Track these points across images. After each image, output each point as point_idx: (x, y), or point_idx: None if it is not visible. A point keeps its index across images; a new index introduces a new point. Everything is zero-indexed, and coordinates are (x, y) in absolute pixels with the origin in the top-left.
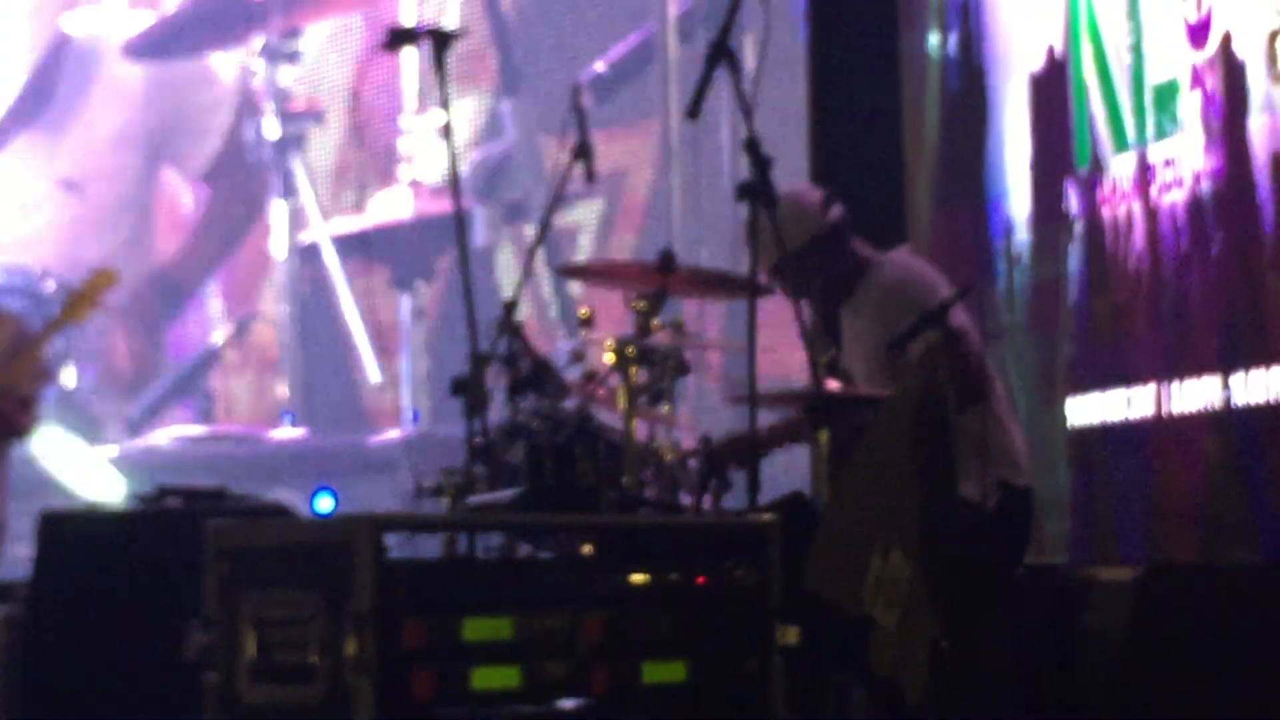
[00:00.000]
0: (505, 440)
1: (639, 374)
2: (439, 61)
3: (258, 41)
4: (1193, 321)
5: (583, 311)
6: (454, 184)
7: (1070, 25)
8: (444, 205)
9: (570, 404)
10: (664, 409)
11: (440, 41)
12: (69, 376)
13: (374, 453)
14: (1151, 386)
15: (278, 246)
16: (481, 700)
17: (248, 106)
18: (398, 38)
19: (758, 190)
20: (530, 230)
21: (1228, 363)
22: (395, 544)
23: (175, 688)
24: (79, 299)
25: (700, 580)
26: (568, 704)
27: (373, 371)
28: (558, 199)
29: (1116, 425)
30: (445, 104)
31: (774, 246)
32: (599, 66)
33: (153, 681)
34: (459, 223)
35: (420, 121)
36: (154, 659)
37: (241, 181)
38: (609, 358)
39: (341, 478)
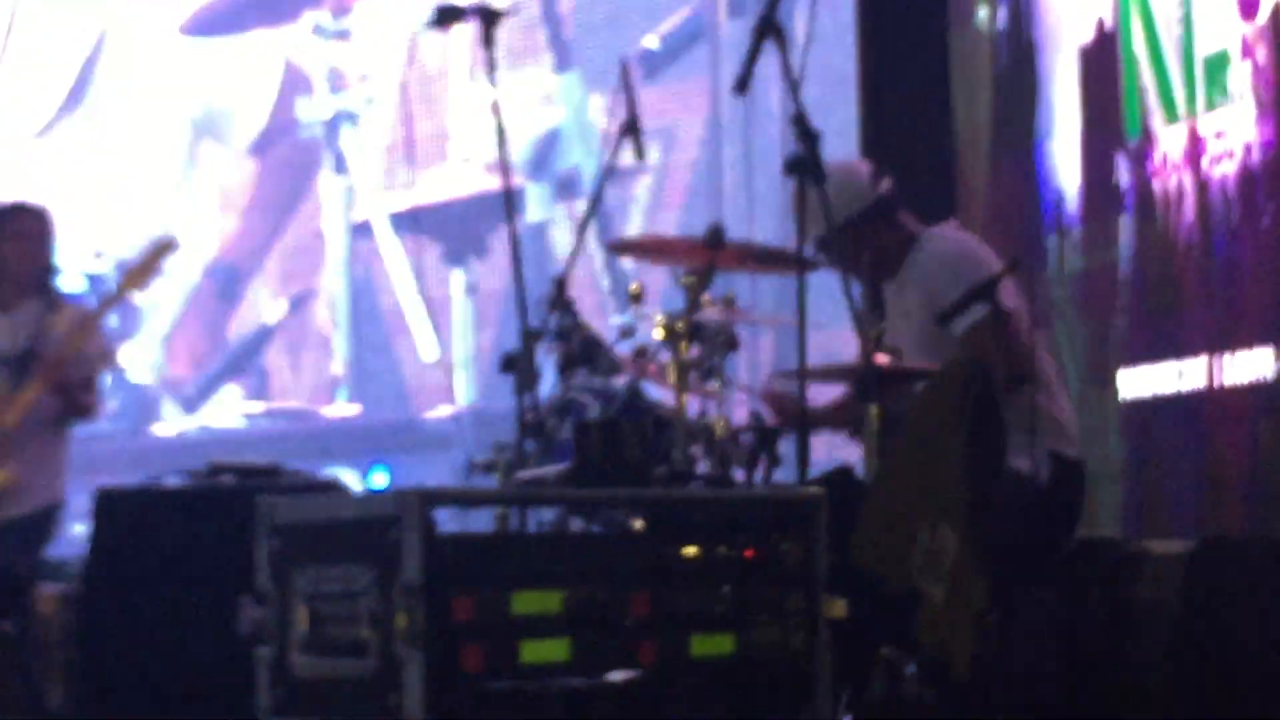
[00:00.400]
0: (556, 416)
1: (689, 349)
2: (488, 38)
3: (309, 19)
4: (1244, 293)
5: (633, 287)
6: (504, 161)
7: None
8: (496, 181)
9: (621, 380)
10: (714, 385)
11: (489, 18)
12: (128, 358)
13: (428, 428)
14: (1203, 359)
15: (331, 224)
16: (531, 673)
17: (299, 84)
18: (446, 15)
19: (806, 165)
20: (582, 205)
21: (1279, 334)
22: (448, 519)
23: (230, 663)
24: (139, 268)
25: (748, 554)
26: (616, 677)
27: (427, 348)
28: (608, 175)
29: (1168, 398)
30: (493, 81)
31: (822, 219)
32: (649, 41)
33: (208, 657)
34: (508, 199)
35: (471, 98)
36: (209, 634)
37: (289, 157)
38: (659, 333)
39: (395, 453)
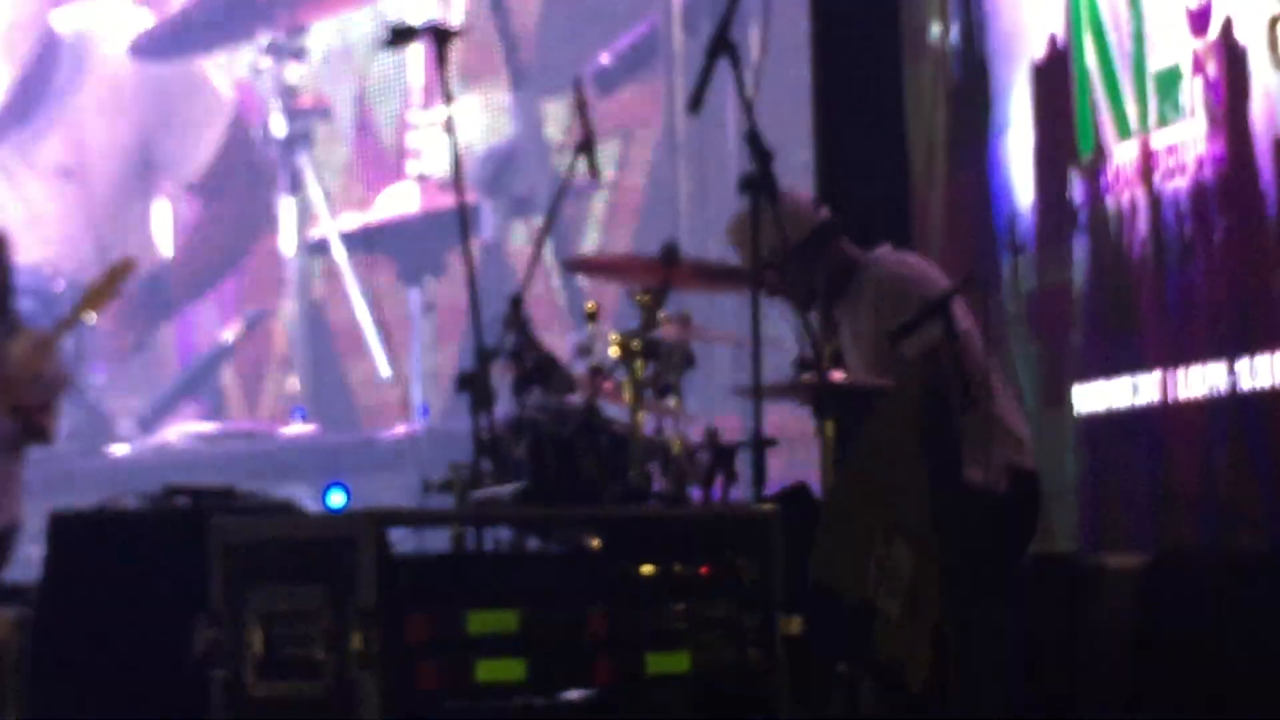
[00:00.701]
0: (511, 435)
1: (645, 368)
2: (441, 58)
3: (263, 38)
4: (1198, 308)
5: (589, 305)
6: (458, 179)
7: (1072, 14)
8: (451, 199)
9: (577, 398)
10: (671, 402)
11: (442, 38)
12: (83, 378)
13: (384, 448)
14: (1157, 373)
15: (286, 243)
16: (487, 693)
17: (254, 105)
18: (400, 34)
19: (760, 183)
20: (539, 222)
21: (1233, 348)
22: (404, 538)
23: (185, 684)
24: (98, 289)
25: (704, 571)
26: (573, 695)
27: (383, 366)
28: (563, 192)
29: (1123, 412)
30: (448, 99)
31: (768, 243)
32: (604, 59)
33: (163, 678)
34: (463, 217)
35: (426, 117)
36: (164, 656)
37: (244, 176)
38: (615, 351)
39: (352, 473)
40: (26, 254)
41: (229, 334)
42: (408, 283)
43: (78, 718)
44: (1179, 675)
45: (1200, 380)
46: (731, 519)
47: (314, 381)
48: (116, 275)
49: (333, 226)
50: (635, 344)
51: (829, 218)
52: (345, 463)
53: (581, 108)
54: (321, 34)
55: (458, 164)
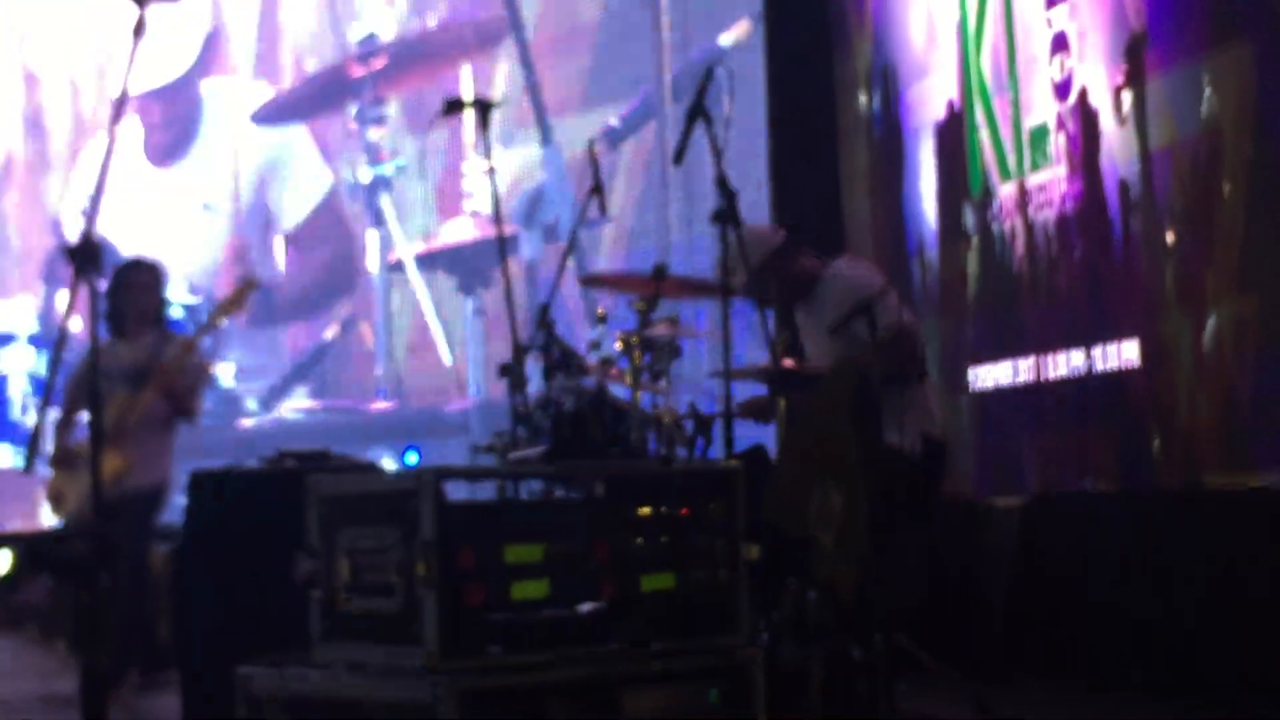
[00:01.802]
0: (541, 410)
1: (642, 358)
2: (484, 122)
3: (353, 108)
4: (1062, 308)
5: (599, 311)
6: (498, 214)
7: (965, 85)
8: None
9: (590, 381)
10: (662, 384)
11: (484, 108)
12: (222, 371)
13: (446, 419)
14: (1032, 358)
15: (372, 263)
16: (519, 607)
17: (348, 159)
18: (452, 106)
19: (727, 215)
20: (563, 247)
21: (1089, 339)
22: (458, 489)
23: (291, 602)
24: (228, 302)
25: (684, 512)
26: (585, 608)
27: (445, 356)
28: (580, 224)
29: (1006, 388)
30: (488, 154)
31: (742, 268)
32: (612, 120)
33: (275, 598)
34: (502, 244)
35: (477, 166)
36: (275, 581)
37: (336, 235)
38: (619, 345)
39: (422, 438)
40: (174, 271)
41: (329, 333)
42: (464, 293)
43: (211, 628)
44: (1051, 588)
45: (1065, 363)
46: (706, 472)
47: (393, 368)
48: (243, 291)
49: (407, 251)
50: (634, 339)
51: (786, 240)
52: (417, 431)
53: (593, 161)
54: (396, 103)
55: (498, 203)
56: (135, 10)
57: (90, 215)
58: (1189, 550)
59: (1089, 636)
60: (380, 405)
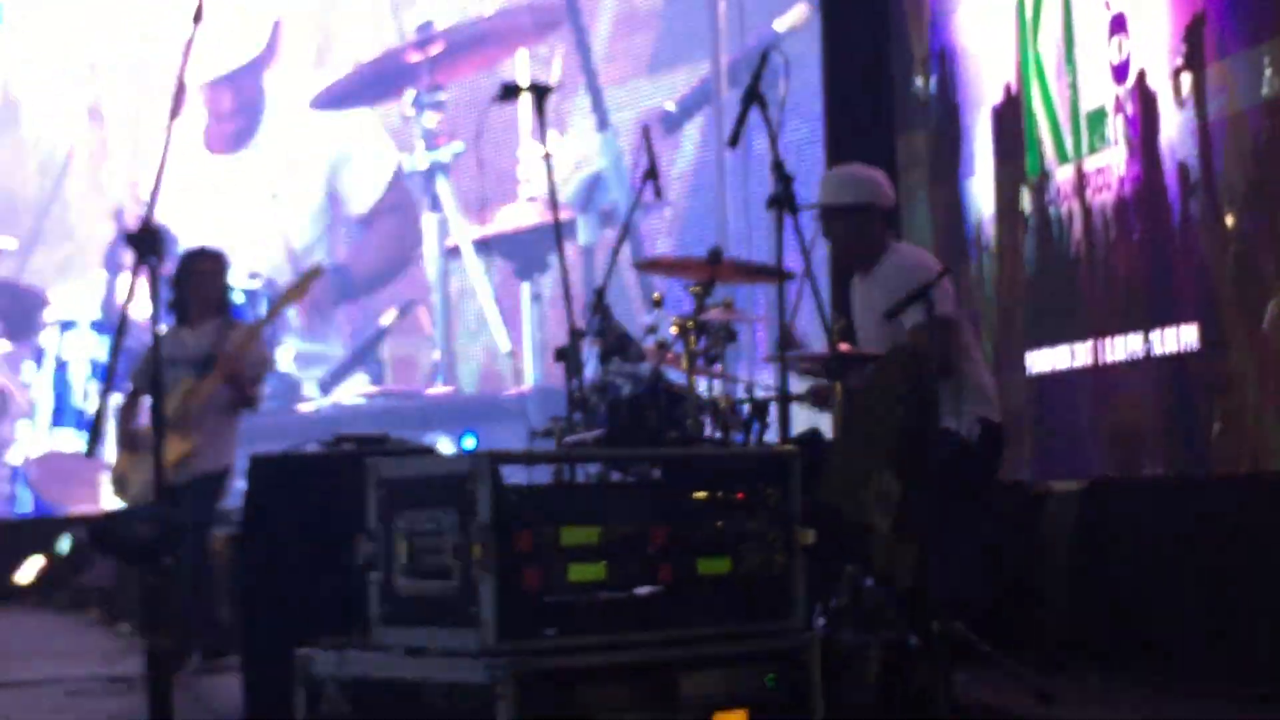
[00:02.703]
0: (597, 394)
1: (697, 342)
2: (540, 108)
3: (410, 94)
4: (1120, 292)
5: (655, 295)
6: (553, 200)
7: (1022, 68)
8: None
9: (646, 366)
10: (718, 368)
11: (541, 93)
12: (281, 356)
13: (503, 404)
14: (1090, 342)
15: (430, 249)
16: (576, 589)
17: (404, 143)
18: (509, 91)
19: (782, 199)
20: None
21: (1147, 323)
22: (515, 473)
23: (350, 585)
24: (293, 290)
25: (740, 496)
26: (642, 591)
27: (502, 342)
28: (635, 208)
29: (1064, 372)
30: (544, 139)
31: (853, 196)
32: (669, 105)
33: (334, 580)
34: (557, 229)
35: (534, 152)
36: (334, 563)
37: (398, 199)
38: (675, 330)
39: (480, 422)
40: (238, 258)
41: (386, 319)
42: (521, 279)
43: (270, 609)
44: (1108, 571)
45: (1123, 347)
46: (762, 456)
47: (450, 354)
48: (307, 279)
49: (464, 236)
50: (690, 324)
51: (885, 201)
52: (474, 415)
53: (648, 145)
54: (454, 89)
55: (554, 189)
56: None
57: (150, 203)
58: (1249, 538)
59: (1149, 625)
60: (437, 390)
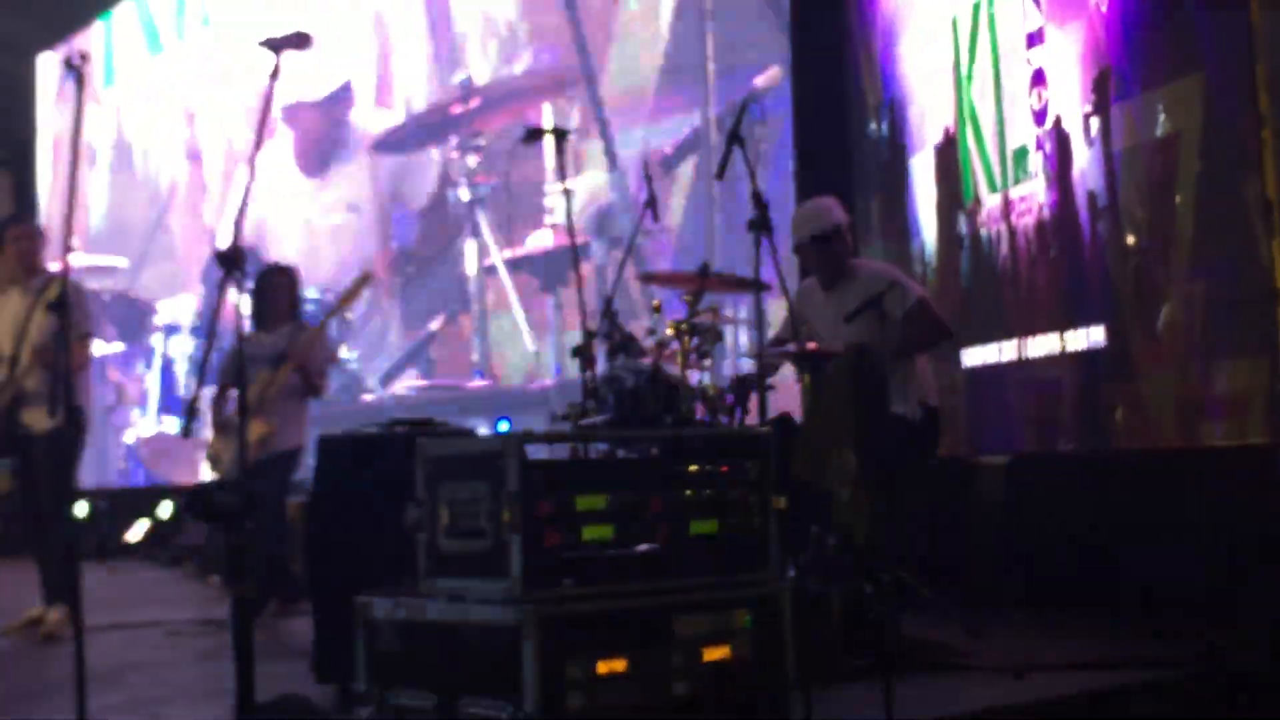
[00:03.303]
0: (606, 385)
1: (690, 341)
2: (559, 148)
3: (454, 139)
4: (1040, 299)
5: (655, 303)
6: (570, 227)
7: (958, 113)
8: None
9: (647, 361)
10: (707, 363)
11: (559, 135)
12: (347, 354)
13: (532, 394)
14: (1015, 341)
15: (470, 267)
16: (588, 547)
17: (448, 180)
18: (532, 134)
19: (760, 223)
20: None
21: (1062, 324)
22: (538, 451)
23: (401, 544)
24: (349, 293)
25: (724, 469)
26: (643, 548)
27: (529, 343)
28: (637, 231)
29: (993, 365)
30: (563, 174)
31: (809, 227)
32: (666, 149)
33: (389, 541)
34: (574, 251)
35: (555, 186)
36: (388, 528)
37: (445, 227)
38: (671, 331)
39: (511, 410)
40: (311, 265)
41: (435, 324)
42: (545, 291)
43: (336, 566)
44: (1030, 535)
45: (1042, 345)
46: (744, 436)
47: (487, 353)
48: (361, 284)
49: (499, 257)
50: (683, 326)
51: (845, 224)
52: (507, 404)
53: (648, 178)
54: (490, 135)
55: (571, 218)
56: (273, 58)
57: (236, 229)
58: (1145, 503)
59: (1060, 575)
60: (476, 384)
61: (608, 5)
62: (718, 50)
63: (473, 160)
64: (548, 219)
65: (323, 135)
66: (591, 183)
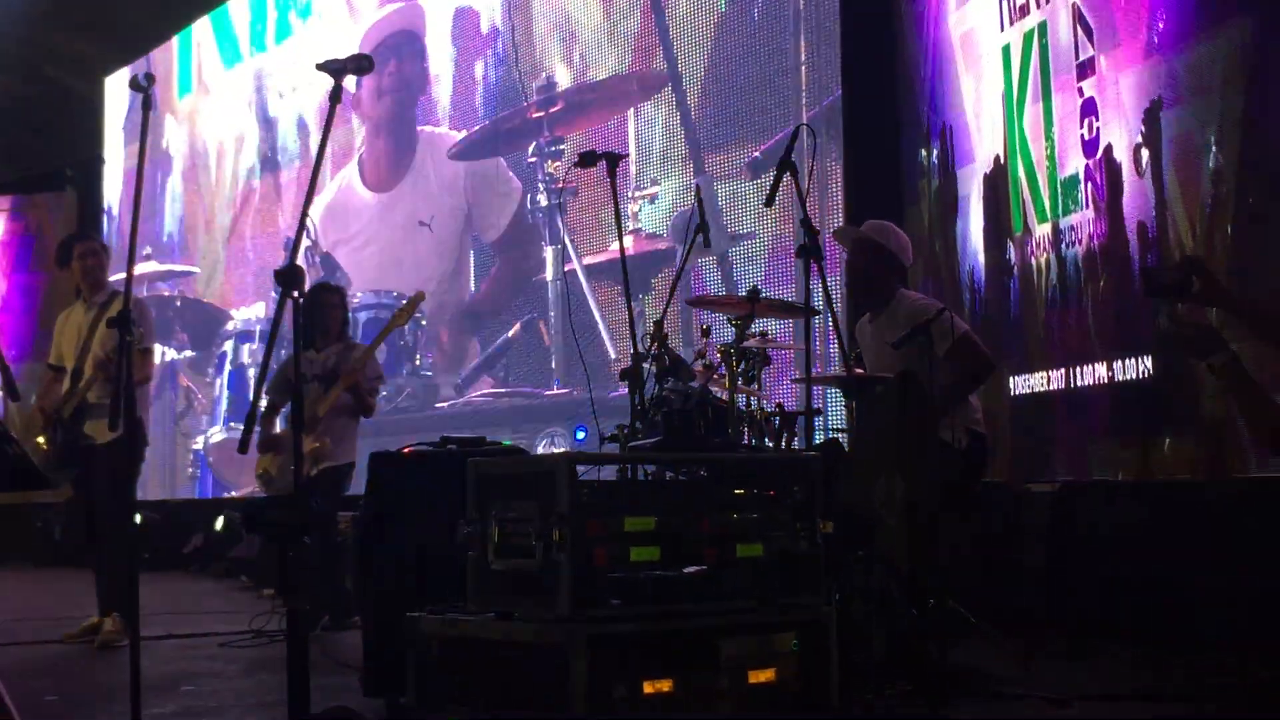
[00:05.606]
0: (655, 407)
1: (738, 365)
2: (611, 173)
3: (533, 145)
4: (1088, 327)
5: (704, 326)
6: (620, 231)
7: (1008, 141)
8: (654, 245)
9: (696, 384)
10: (754, 387)
11: (614, 160)
12: (420, 363)
13: (611, 402)
14: (1062, 370)
15: (550, 273)
16: (636, 568)
17: (528, 188)
18: (586, 158)
19: (810, 249)
20: (710, 261)
21: (1110, 353)
22: (589, 472)
23: (452, 561)
24: (401, 313)
25: (771, 493)
26: (690, 570)
27: (610, 351)
28: (687, 256)
29: (1040, 394)
30: (615, 195)
31: (863, 231)
32: (757, 153)
33: (439, 557)
34: (624, 264)
35: (639, 194)
36: (439, 544)
37: (526, 232)
38: (719, 355)
39: (590, 418)
40: (386, 279)
41: (512, 332)
42: (624, 298)
43: (385, 581)
44: (1078, 565)
45: (1090, 374)
46: (790, 461)
47: (565, 360)
48: (412, 304)
49: (578, 264)
50: (732, 350)
51: (903, 258)
52: (585, 412)
53: (699, 201)
54: (571, 142)
55: (618, 222)
56: (331, 80)
57: (294, 246)
58: (1197, 534)
59: (1109, 604)
60: (554, 391)
61: (696, 9)
62: (810, 55)
63: (552, 165)
64: (629, 225)
65: (398, 144)
66: (676, 187)
